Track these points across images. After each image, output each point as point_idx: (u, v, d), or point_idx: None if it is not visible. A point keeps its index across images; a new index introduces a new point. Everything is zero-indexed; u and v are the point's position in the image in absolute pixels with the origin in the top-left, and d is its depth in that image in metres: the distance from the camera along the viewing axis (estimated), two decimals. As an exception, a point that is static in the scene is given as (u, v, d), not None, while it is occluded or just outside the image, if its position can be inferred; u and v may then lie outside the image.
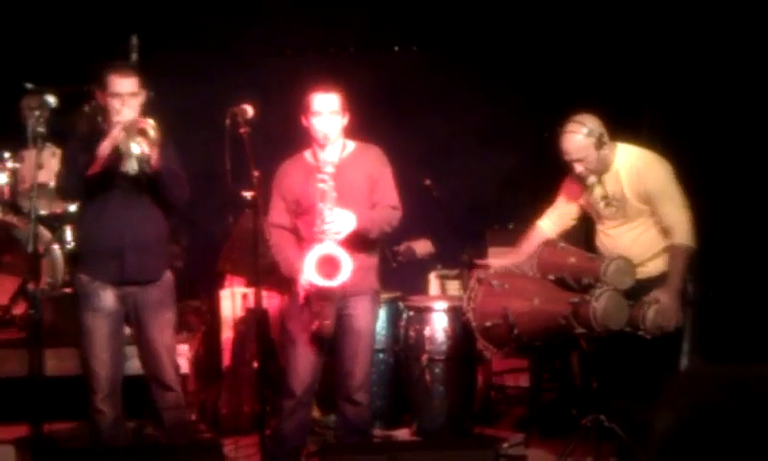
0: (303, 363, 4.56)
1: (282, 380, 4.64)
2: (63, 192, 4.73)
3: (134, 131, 4.31)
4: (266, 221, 4.48)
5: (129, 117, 4.36)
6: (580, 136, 4.67)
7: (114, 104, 4.40)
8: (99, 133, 4.45)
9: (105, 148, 4.31)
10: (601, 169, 4.73)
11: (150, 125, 4.30)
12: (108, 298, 4.47)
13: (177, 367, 4.66)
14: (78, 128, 5.27)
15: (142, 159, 4.36)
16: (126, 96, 4.40)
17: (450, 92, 7.30)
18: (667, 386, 1.39)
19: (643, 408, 4.31)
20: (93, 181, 4.38)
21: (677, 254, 4.63)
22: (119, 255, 4.45)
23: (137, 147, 4.31)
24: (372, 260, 4.67)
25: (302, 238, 4.54)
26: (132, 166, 4.38)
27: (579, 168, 4.71)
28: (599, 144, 4.67)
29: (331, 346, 4.61)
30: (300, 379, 4.56)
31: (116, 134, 4.31)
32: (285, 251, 4.54)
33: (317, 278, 4.36)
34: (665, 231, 4.68)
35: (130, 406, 4.76)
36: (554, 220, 5.06)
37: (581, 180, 4.77)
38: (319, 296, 4.41)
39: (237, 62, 7.05)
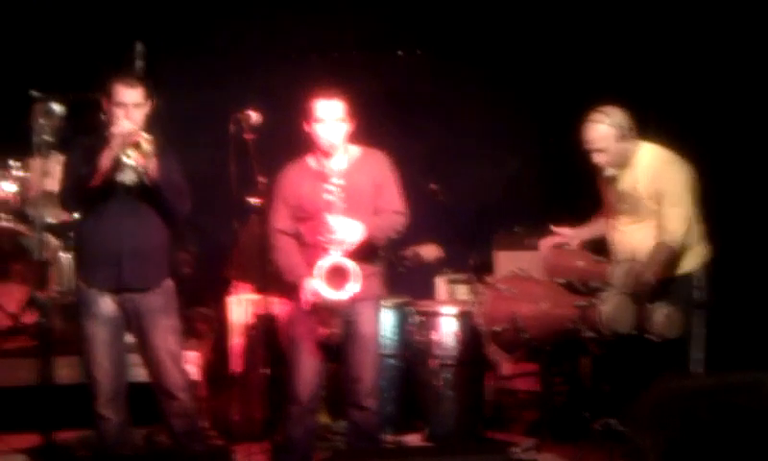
0: (308, 369, 4.55)
1: (287, 387, 4.62)
2: (64, 203, 4.72)
3: (128, 142, 4.31)
4: (268, 226, 4.43)
5: (127, 128, 4.34)
6: (603, 126, 4.67)
7: (118, 113, 4.39)
8: (102, 140, 4.44)
9: (105, 160, 4.32)
10: (620, 163, 4.71)
11: (144, 138, 4.30)
12: (105, 304, 4.47)
13: (184, 374, 4.63)
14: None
15: (139, 170, 4.37)
16: (130, 106, 4.40)
17: (455, 96, 7.28)
18: (647, 405, 1.39)
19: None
20: (94, 193, 4.39)
21: (662, 249, 4.61)
22: (116, 263, 4.45)
23: (130, 159, 4.32)
24: (376, 267, 4.65)
25: (306, 243, 4.52)
26: (129, 177, 4.41)
27: (598, 158, 4.70)
28: (621, 137, 4.66)
29: (338, 352, 4.60)
30: (305, 385, 4.55)
31: (115, 147, 4.32)
32: (289, 256, 4.50)
33: (326, 289, 4.33)
34: (659, 228, 4.66)
35: (141, 413, 4.76)
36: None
37: (599, 170, 4.77)
38: (326, 305, 4.39)
39: (241, 67, 7.04)
